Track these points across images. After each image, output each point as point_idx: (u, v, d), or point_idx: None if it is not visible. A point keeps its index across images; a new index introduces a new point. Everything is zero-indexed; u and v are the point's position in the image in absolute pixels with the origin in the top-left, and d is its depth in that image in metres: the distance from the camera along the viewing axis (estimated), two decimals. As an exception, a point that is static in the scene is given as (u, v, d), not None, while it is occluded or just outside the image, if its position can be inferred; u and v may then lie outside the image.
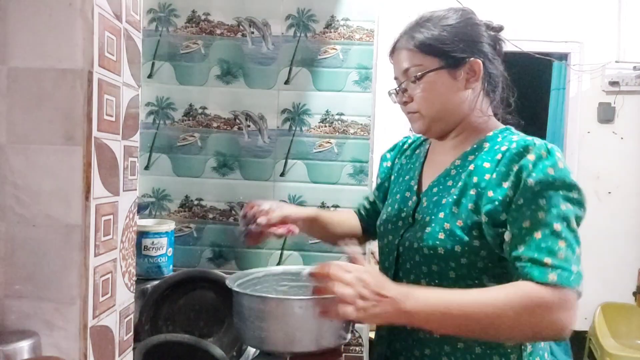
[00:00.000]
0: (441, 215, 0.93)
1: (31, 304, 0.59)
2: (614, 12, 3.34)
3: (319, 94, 1.59)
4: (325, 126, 1.60)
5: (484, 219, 0.87)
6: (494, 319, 0.80)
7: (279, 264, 1.61)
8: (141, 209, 1.57)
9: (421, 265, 0.94)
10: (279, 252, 1.59)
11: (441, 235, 0.91)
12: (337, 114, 1.59)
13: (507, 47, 3.29)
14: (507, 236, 0.85)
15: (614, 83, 3.34)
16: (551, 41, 3.36)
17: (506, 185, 0.86)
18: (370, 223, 1.20)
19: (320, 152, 1.60)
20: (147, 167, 1.62)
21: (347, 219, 1.25)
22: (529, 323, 0.80)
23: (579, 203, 0.86)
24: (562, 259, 0.80)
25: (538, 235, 0.82)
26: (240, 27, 1.61)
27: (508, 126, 1.02)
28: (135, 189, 0.71)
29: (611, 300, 3.31)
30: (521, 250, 0.82)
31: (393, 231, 1.03)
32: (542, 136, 4.04)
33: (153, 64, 1.61)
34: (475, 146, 0.98)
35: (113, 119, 0.64)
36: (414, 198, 1.02)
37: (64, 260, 0.58)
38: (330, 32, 1.58)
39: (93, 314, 0.60)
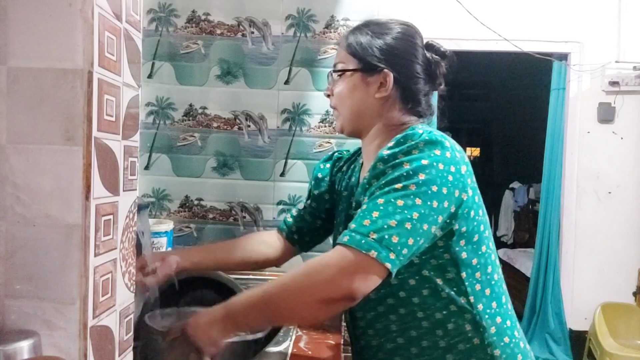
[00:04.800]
0: None
1: (31, 303, 0.59)
2: (614, 12, 3.34)
3: (319, 94, 1.59)
4: (325, 126, 1.60)
5: (354, 206, 0.91)
6: (282, 294, 0.84)
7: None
8: (141, 208, 1.57)
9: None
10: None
11: None
12: (337, 114, 1.59)
13: (507, 47, 3.26)
14: None
15: (614, 83, 3.34)
16: (551, 41, 3.36)
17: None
18: (299, 234, 1.21)
19: (320, 152, 1.60)
20: (147, 167, 1.62)
21: (253, 242, 1.22)
22: (307, 287, 0.82)
23: (419, 191, 0.82)
24: (364, 225, 0.81)
25: (364, 207, 0.84)
26: (240, 27, 1.61)
27: (422, 124, 0.99)
28: (135, 189, 0.71)
29: (611, 300, 3.31)
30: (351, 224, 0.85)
31: None
32: (542, 136, 3.96)
33: (153, 64, 1.61)
34: None
35: (113, 119, 0.64)
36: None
37: (64, 260, 0.58)
38: (330, 32, 1.58)
39: (93, 314, 0.60)
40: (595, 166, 3.41)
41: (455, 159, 0.85)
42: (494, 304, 0.93)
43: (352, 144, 1.58)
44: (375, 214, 0.81)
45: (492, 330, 0.92)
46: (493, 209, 6.03)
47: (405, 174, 0.82)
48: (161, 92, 1.62)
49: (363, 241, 0.80)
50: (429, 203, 0.82)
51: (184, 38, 1.61)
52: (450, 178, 0.84)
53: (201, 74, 1.61)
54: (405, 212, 0.80)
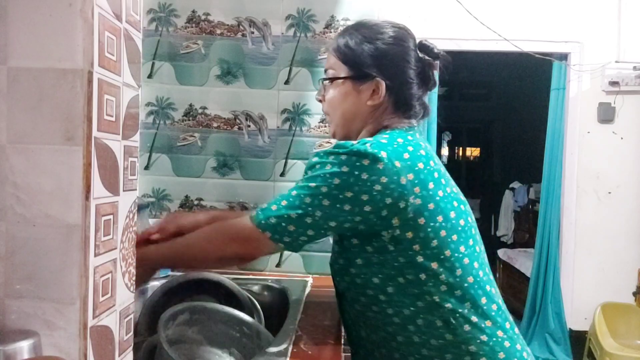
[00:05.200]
0: None
1: (31, 303, 0.59)
2: (614, 12, 3.35)
3: (319, 94, 1.59)
4: (325, 126, 1.60)
5: None
6: (187, 251, 1.00)
7: (278, 264, 1.62)
8: (141, 208, 1.57)
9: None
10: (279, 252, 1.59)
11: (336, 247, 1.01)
12: (337, 114, 1.59)
13: (507, 47, 3.26)
14: None
15: (614, 83, 3.34)
16: (551, 41, 3.36)
17: None
18: None
19: (320, 152, 1.60)
20: (147, 167, 1.62)
21: None
22: (207, 248, 0.99)
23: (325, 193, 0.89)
24: (270, 208, 0.93)
25: (284, 192, 0.94)
26: (240, 27, 1.61)
27: (405, 129, 1.00)
28: (136, 189, 0.71)
29: (611, 300, 3.31)
30: None
31: None
32: (542, 136, 3.98)
33: (153, 64, 1.61)
34: None
35: (113, 119, 0.64)
36: None
37: (64, 260, 0.58)
38: (330, 32, 1.59)
39: (93, 314, 0.60)
40: (595, 166, 3.41)
41: (392, 170, 0.88)
42: (467, 304, 0.92)
43: (352, 144, 1.58)
44: (284, 203, 0.91)
45: (466, 327, 0.92)
46: (493, 209, 6.03)
47: (323, 175, 0.89)
48: (161, 92, 1.62)
49: (263, 222, 0.92)
50: (338, 205, 0.88)
51: (184, 38, 1.61)
52: (377, 187, 0.87)
53: (201, 74, 1.61)
54: (309, 209, 0.89)
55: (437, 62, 1.03)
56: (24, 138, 0.58)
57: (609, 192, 3.42)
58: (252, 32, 1.61)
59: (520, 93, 6.31)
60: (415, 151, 0.92)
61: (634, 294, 3.35)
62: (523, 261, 4.32)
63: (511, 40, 3.23)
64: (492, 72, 6.26)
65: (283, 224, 0.91)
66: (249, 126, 1.62)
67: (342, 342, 1.11)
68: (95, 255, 0.60)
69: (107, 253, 0.63)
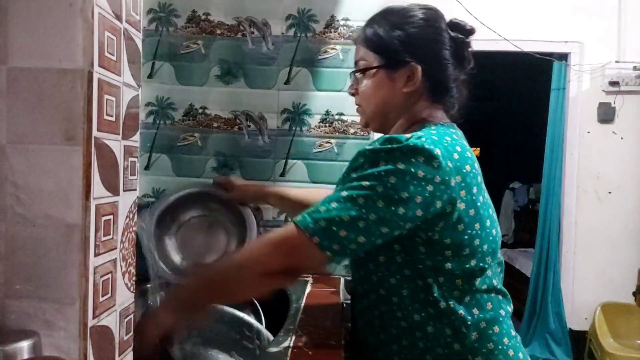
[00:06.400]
0: None
1: (31, 304, 0.59)
2: (614, 12, 3.34)
3: (319, 94, 1.59)
4: (325, 126, 1.60)
5: None
6: (227, 270, 0.91)
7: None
8: (141, 208, 1.57)
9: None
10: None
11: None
12: (337, 114, 1.59)
13: (507, 47, 3.25)
14: None
15: (614, 83, 3.34)
16: (551, 41, 3.36)
17: None
18: None
19: (320, 152, 1.60)
20: (147, 167, 1.62)
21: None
22: (249, 262, 0.87)
23: (381, 194, 0.81)
24: (317, 211, 0.83)
25: (331, 194, 0.86)
26: (240, 27, 1.61)
27: (439, 125, 0.95)
28: (136, 189, 0.71)
29: (611, 300, 3.31)
30: None
31: None
32: (542, 136, 3.96)
33: (153, 64, 1.61)
34: None
35: (113, 119, 0.64)
36: None
37: (64, 260, 0.58)
38: (330, 32, 1.59)
39: (93, 314, 0.60)
40: (595, 166, 3.41)
41: (445, 170, 0.82)
42: (475, 310, 0.90)
43: (352, 145, 1.58)
44: (334, 205, 0.82)
45: (474, 336, 0.88)
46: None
47: (377, 173, 0.81)
48: (161, 92, 1.62)
49: (311, 225, 0.81)
50: (392, 208, 0.80)
51: (184, 38, 1.61)
52: (429, 188, 0.80)
53: (201, 74, 1.61)
54: (363, 210, 0.80)
55: (470, 40, 0.98)
56: (24, 138, 0.58)
57: (609, 192, 3.42)
58: (252, 32, 1.61)
59: (521, 93, 6.30)
60: (463, 152, 0.87)
61: (634, 294, 3.35)
62: (523, 261, 4.32)
63: (511, 40, 3.23)
64: (492, 72, 6.25)
65: (334, 228, 0.80)
66: (249, 126, 1.62)
67: (342, 342, 1.11)
68: (95, 255, 0.60)
69: (107, 253, 0.63)
